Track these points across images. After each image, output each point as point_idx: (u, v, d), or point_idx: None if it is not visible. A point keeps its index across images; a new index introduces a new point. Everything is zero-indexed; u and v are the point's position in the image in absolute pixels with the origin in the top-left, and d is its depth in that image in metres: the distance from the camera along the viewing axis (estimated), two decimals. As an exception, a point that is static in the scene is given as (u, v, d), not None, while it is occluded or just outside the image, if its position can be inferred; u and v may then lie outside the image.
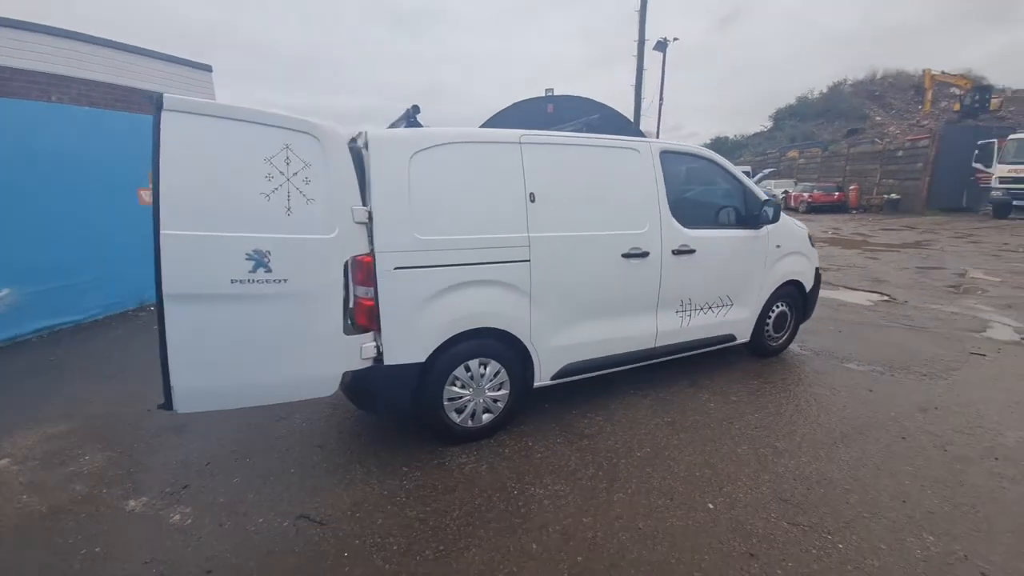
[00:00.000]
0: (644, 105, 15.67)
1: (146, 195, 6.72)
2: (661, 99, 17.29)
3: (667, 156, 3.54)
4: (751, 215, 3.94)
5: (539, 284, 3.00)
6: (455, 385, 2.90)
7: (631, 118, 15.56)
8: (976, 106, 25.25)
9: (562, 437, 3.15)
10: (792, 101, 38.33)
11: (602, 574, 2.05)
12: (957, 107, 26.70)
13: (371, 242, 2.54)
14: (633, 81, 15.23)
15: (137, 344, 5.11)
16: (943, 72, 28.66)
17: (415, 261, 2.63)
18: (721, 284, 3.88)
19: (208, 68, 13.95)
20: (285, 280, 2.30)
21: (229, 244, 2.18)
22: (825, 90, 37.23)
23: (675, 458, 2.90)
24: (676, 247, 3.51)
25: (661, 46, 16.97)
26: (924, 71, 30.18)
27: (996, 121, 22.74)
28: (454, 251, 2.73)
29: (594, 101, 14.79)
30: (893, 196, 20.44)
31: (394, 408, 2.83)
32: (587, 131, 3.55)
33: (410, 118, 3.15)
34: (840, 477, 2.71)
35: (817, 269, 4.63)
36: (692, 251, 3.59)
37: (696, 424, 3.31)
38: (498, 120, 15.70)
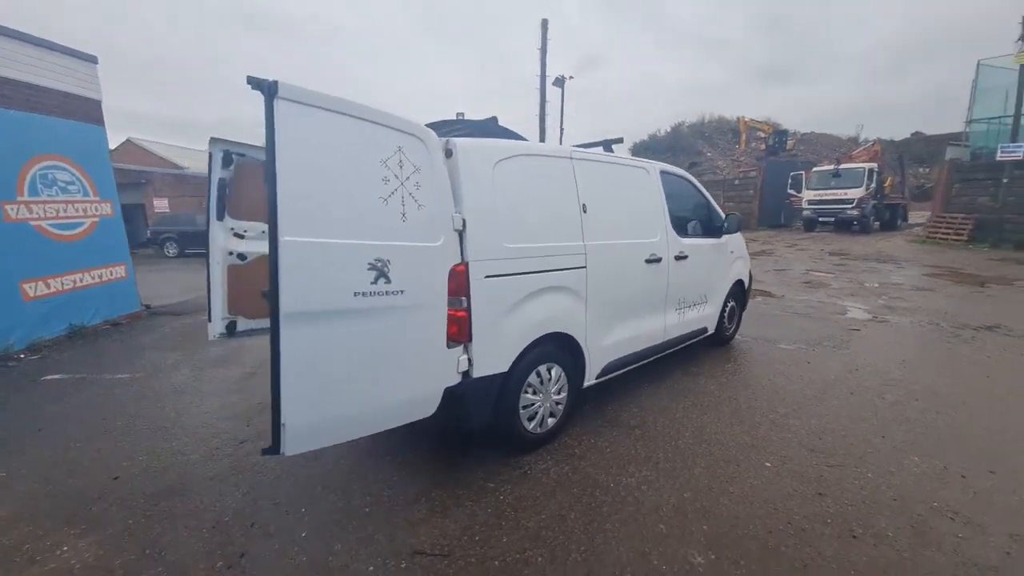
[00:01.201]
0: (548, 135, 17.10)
1: (11, 209, 5.25)
2: (561, 130, 19.09)
3: (664, 175, 4.08)
4: (716, 226, 4.69)
5: (592, 289, 3.20)
6: (528, 392, 2.92)
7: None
8: (777, 146, 32.37)
9: (616, 430, 3.35)
10: (645, 137, 44.61)
11: (729, 535, 2.30)
12: (763, 147, 33.91)
13: (463, 251, 2.49)
14: (534, 111, 16.58)
15: (19, 404, 3.95)
16: (751, 119, 36.27)
17: (502, 269, 2.64)
18: (701, 285, 4.52)
19: (93, 59, 11.28)
20: (402, 292, 2.14)
21: (353, 252, 1.98)
22: (669, 129, 44.23)
23: (717, 432, 3.31)
24: (676, 253, 4.03)
25: (560, 82, 18.77)
26: (738, 118, 37.79)
27: (791, 157, 29.49)
28: (532, 259, 2.81)
29: (506, 129, 15.59)
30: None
31: (479, 422, 2.74)
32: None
33: (487, 128, 3.13)
34: (835, 427, 3.38)
35: (750, 270, 5.63)
36: (686, 257, 4.14)
37: (712, 404, 3.79)
38: None
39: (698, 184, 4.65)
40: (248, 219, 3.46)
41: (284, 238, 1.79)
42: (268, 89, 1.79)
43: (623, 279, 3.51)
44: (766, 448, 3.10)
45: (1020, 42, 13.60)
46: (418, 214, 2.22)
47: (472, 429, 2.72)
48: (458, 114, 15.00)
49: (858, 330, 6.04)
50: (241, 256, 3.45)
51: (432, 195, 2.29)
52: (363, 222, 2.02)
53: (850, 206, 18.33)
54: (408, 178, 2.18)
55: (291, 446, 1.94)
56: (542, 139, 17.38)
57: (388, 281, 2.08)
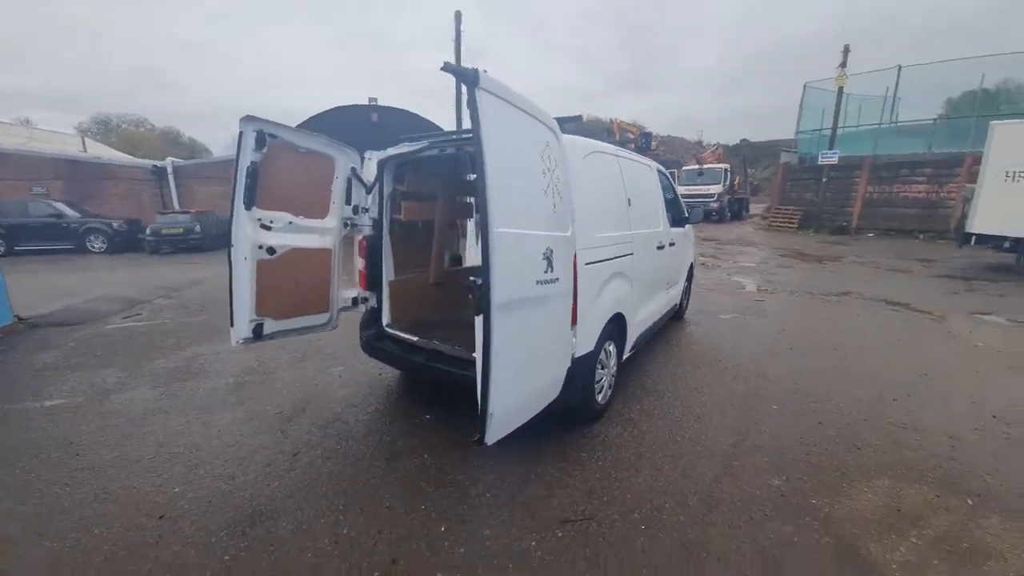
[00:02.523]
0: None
1: None
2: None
3: (659, 172, 4.61)
4: (683, 217, 5.42)
5: (635, 273, 3.58)
6: (599, 367, 3.19)
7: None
8: (644, 146, 36.63)
9: (651, 397, 3.80)
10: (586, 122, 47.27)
11: (783, 461, 2.89)
12: (632, 146, 38.08)
13: (575, 240, 2.64)
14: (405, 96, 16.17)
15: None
16: (622, 120, 40.37)
17: (594, 257, 2.85)
18: (677, 267, 5.22)
19: None
20: (557, 280, 2.24)
21: (537, 243, 2.02)
22: None
23: (724, 386, 3.97)
24: (669, 241, 4.62)
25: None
26: (612, 119, 41.66)
27: (655, 157, 33.73)
28: (610, 247, 3.07)
29: (420, 117, 15.07)
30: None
31: (575, 399, 2.92)
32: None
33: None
34: (799, 374, 4.30)
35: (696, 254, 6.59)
36: (673, 244, 4.76)
37: (705, 364, 4.48)
38: (320, 121, 14.11)
39: (671, 180, 5.32)
40: (274, 208, 3.07)
41: (496, 230, 1.78)
42: (471, 78, 1.75)
43: (649, 264, 3.96)
44: (765, 395, 3.84)
45: (840, 68, 17.56)
46: (560, 205, 2.33)
47: (573, 407, 2.90)
48: (370, 99, 14.31)
49: (762, 300, 7.47)
50: (270, 250, 3.05)
51: (565, 187, 2.41)
52: (536, 213, 2.08)
53: (712, 200, 21.80)
54: (553, 170, 2.27)
55: (492, 435, 1.95)
56: (458, 129, 17.27)
57: (552, 270, 2.17)
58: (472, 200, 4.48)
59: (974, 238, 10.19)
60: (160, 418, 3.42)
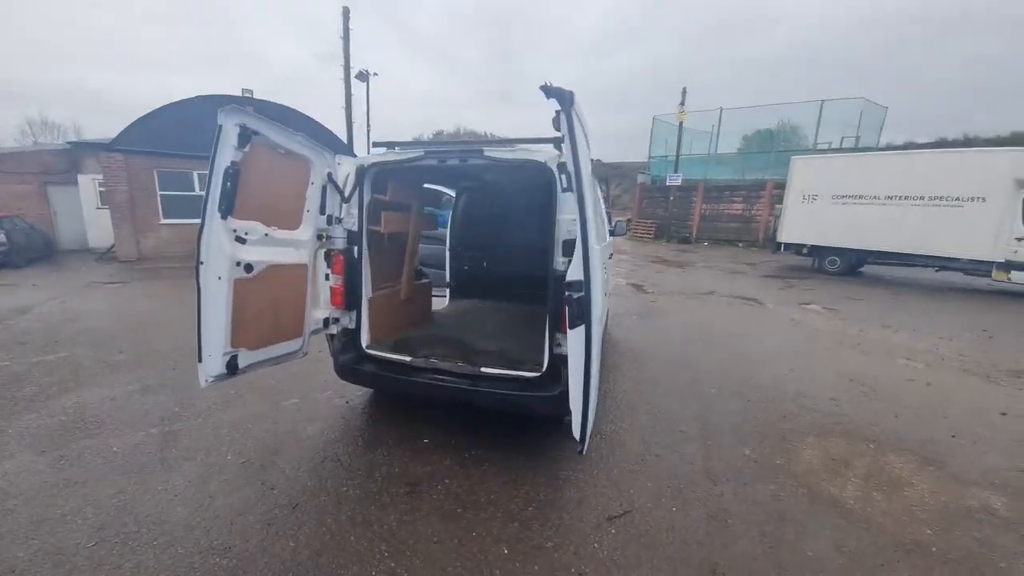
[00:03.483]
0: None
1: None
2: (368, 124, 17.68)
3: (595, 184, 5.05)
4: (610, 229, 6.00)
5: (605, 277, 3.89)
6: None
7: (343, 139, 15.11)
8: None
9: (624, 392, 4.15)
10: (410, 139, 46.35)
11: (753, 432, 3.47)
12: (510, 160, 40.22)
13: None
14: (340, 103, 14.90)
15: None
16: (493, 135, 42.30)
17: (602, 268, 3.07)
18: (610, 276, 5.76)
19: None
20: (606, 294, 2.36)
21: (604, 255, 2.11)
22: (431, 135, 47.30)
23: (686, 382, 4.54)
24: (610, 252, 5.10)
25: (363, 76, 17.24)
26: (487, 132, 43.26)
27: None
28: (604, 258, 3.30)
29: (306, 116, 13.59)
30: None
31: None
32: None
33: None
34: (727, 367, 5.12)
35: (609, 262, 7.30)
36: (611, 255, 5.27)
37: (661, 366, 5.04)
38: (176, 113, 11.74)
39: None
40: (247, 218, 2.61)
41: (595, 246, 1.85)
42: (568, 100, 1.79)
43: (606, 273, 4.32)
44: (703, 381, 4.50)
45: (681, 106, 21.13)
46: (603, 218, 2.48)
47: None
48: (244, 91, 12.87)
49: (655, 302, 8.62)
50: (248, 267, 2.58)
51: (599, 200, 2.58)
52: (600, 228, 2.18)
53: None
54: (596, 184, 2.41)
55: (587, 443, 1.99)
56: (348, 133, 15.94)
57: (607, 281, 2.30)
58: (434, 210, 4.34)
59: (783, 246, 13.21)
60: (75, 491, 2.59)
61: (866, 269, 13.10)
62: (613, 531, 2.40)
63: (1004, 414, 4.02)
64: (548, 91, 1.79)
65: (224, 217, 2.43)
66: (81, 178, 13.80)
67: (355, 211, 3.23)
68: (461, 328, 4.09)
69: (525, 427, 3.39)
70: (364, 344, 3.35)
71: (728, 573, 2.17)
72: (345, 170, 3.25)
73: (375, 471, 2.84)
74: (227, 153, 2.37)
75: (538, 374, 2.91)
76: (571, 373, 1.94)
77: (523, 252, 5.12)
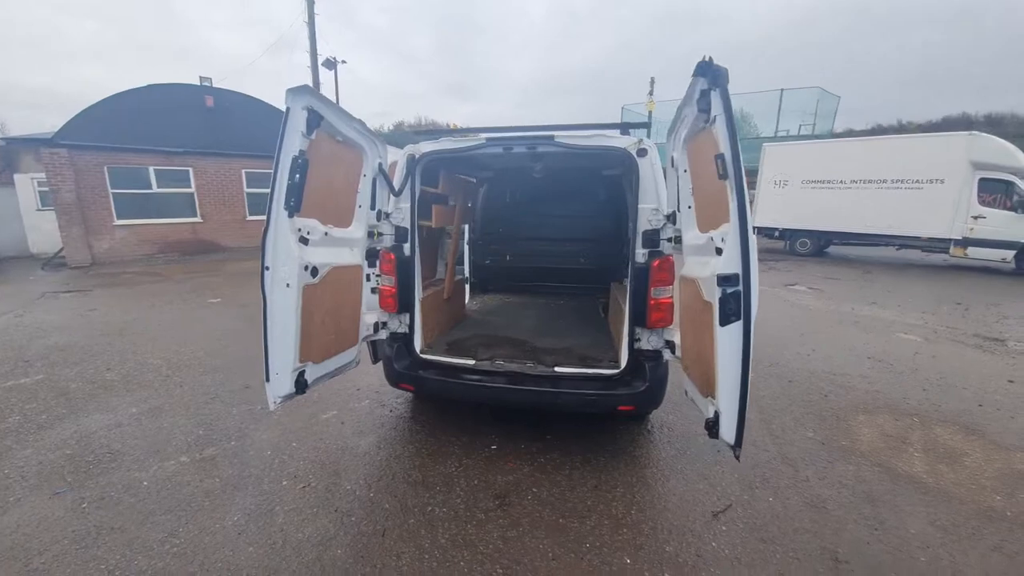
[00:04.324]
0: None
1: None
2: None
3: None
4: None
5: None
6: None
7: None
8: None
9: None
10: (390, 130, 45.23)
11: (807, 413, 3.48)
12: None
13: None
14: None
15: None
16: (456, 125, 41.65)
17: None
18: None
19: None
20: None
21: None
22: (392, 127, 46.22)
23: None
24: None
25: (330, 64, 16.07)
26: (449, 123, 42.55)
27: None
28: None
29: (267, 105, 12.61)
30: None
31: None
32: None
33: None
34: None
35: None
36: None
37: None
38: (128, 103, 10.56)
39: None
40: (307, 215, 2.29)
41: (753, 236, 1.70)
42: (723, 76, 1.63)
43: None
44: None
45: (650, 95, 21.35)
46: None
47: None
48: (202, 79, 11.88)
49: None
50: (314, 271, 2.26)
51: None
52: None
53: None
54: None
55: None
56: None
57: None
58: (471, 204, 4.06)
59: (756, 229, 13.69)
60: (115, 539, 2.20)
61: (832, 249, 13.83)
62: (724, 528, 2.31)
63: (1012, 382, 4.27)
64: (702, 68, 1.61)
65: (291, 215, 2.10)
66: (18, 178, 12.24)
67: (404, 205, 2.93)
68: (504, 326, 3.87)
69: (589, 426, 3.25)
70: (418, 348, 3.07)
71: (850, 560, 2.13)
72: (392, 160, 2.95)
73: (454, 485, 2.61)
74: (295, 141, 2.04)
75: (617, 371, 2.76)
76: (721, 374, 1.80)
77: (562, 245, 4.96)
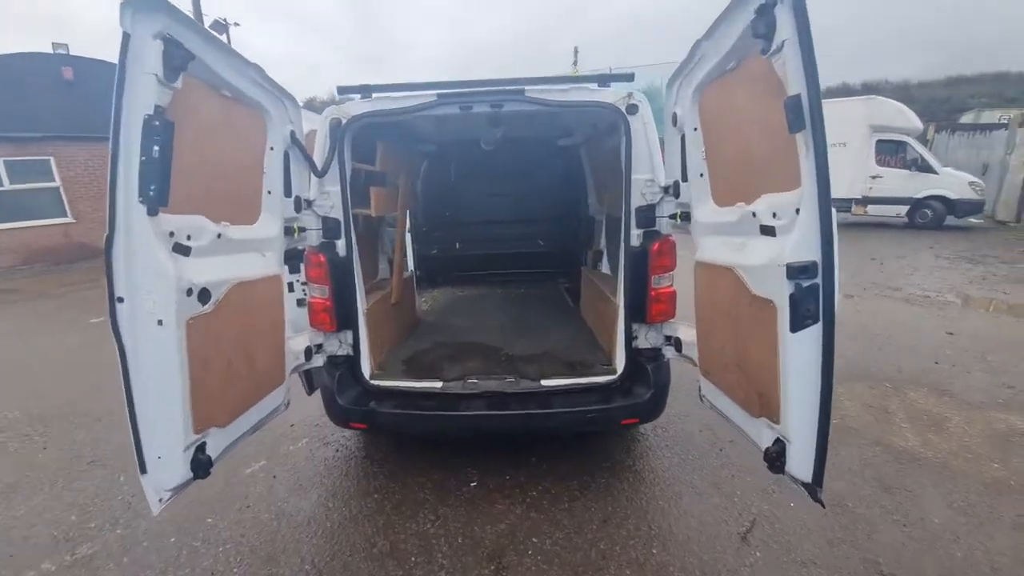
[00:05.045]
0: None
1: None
2: None
3: None
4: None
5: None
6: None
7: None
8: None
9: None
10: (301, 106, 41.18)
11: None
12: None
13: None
14: None
15: None
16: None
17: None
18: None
19: None
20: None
21: None
22: (304, 101, 42.25)
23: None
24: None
25: (220, 27, 13.34)
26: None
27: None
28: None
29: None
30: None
31: None
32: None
33: None
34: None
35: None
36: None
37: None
38: None
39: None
40: (187, 211, 1.51)
41: (835, 213, 1.25)
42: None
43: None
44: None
45: (574, 65, 21.33)
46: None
47: None
48: (56, 46, 9.73)
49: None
50: (203, 295, 1.51)
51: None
52: None
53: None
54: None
55: None
56: None
57: None
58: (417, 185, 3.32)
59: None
60: None
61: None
62: (758, 554, 1.98)
63: (951, 334, 4.46)
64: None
65: (153, 212, 1.33)
66: None
67: (332, 188, 2.20)
68: (467, 329, 3.27)
69: (575, 437, 2.80)
70: (367, 374, 2.40)
71: (896, 572, 1.88)
72: (311, 130, 2.19)
73: (434, 550, 2.03)
74: (145, 91, 1.26)
75: (614, 376, 2.31)
76: (792, 392, 1.37)
77: (518, 227, 4.40)
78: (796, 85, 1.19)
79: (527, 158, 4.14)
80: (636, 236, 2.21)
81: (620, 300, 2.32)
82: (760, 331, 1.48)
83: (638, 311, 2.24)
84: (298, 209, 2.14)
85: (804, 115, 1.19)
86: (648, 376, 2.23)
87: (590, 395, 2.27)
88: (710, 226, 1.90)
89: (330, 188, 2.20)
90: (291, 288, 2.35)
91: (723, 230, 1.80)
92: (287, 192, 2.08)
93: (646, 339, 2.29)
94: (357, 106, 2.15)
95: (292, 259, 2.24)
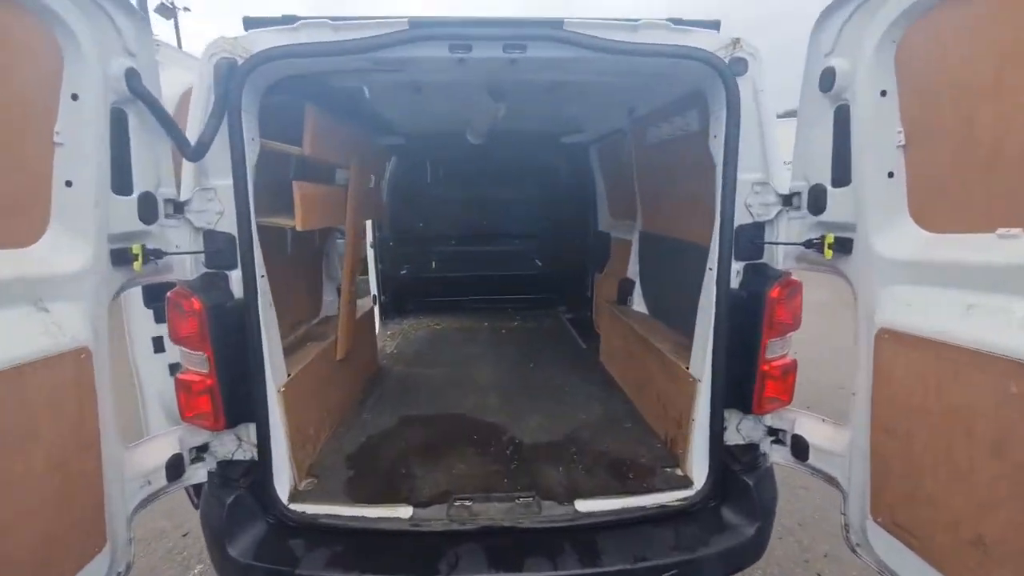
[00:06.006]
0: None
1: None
2: None
3: None
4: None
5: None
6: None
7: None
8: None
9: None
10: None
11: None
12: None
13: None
14: None
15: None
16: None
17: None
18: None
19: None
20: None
21: None
22: None
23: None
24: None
25: (167, 10, 11.58)
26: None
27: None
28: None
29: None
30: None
31: None
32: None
33: None
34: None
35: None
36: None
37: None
38: None
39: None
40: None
41: None
42: None
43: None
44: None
45: None
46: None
47: None
48: None
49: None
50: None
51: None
52: None
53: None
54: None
55: None
56: None
57: None
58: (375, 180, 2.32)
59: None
60: None
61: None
62: None
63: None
64: None
65: None
66: None
67: (221, 182, 1.23)
68: (448, 387, 2.32)
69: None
70: (284, 493, 1.41)
71: None
72: (181, 82, 1.25)
73: None
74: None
75: (690, 493, 1.44)
76: None
77: (510, 242, 3.53)
78: None
79: (523, 156, 3.27)
80: (736, 273, 1.36)
81: (703, 373, 1.46)
82: None
83: (735, 393, 1.39)
84: (149, 217, 1.16)
85: None
86: (750, 493, 1.38)
87: (655, 529, 1.38)
88: (915, 267, 1.06)
89: (216, 182, 1.23)
90: (160, 347, 1.37)
91: (958, 278, 0.97)
92: (120, 185, 1.09)
93: (740, 433, 1.44)
94: (264, 37, 1.20)
95: (158, 300, 1.27)
